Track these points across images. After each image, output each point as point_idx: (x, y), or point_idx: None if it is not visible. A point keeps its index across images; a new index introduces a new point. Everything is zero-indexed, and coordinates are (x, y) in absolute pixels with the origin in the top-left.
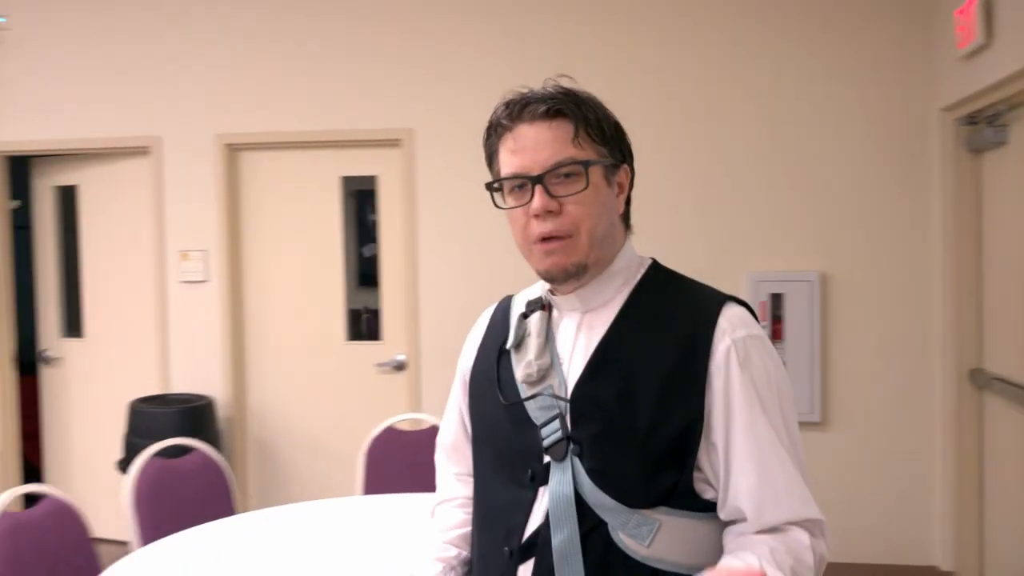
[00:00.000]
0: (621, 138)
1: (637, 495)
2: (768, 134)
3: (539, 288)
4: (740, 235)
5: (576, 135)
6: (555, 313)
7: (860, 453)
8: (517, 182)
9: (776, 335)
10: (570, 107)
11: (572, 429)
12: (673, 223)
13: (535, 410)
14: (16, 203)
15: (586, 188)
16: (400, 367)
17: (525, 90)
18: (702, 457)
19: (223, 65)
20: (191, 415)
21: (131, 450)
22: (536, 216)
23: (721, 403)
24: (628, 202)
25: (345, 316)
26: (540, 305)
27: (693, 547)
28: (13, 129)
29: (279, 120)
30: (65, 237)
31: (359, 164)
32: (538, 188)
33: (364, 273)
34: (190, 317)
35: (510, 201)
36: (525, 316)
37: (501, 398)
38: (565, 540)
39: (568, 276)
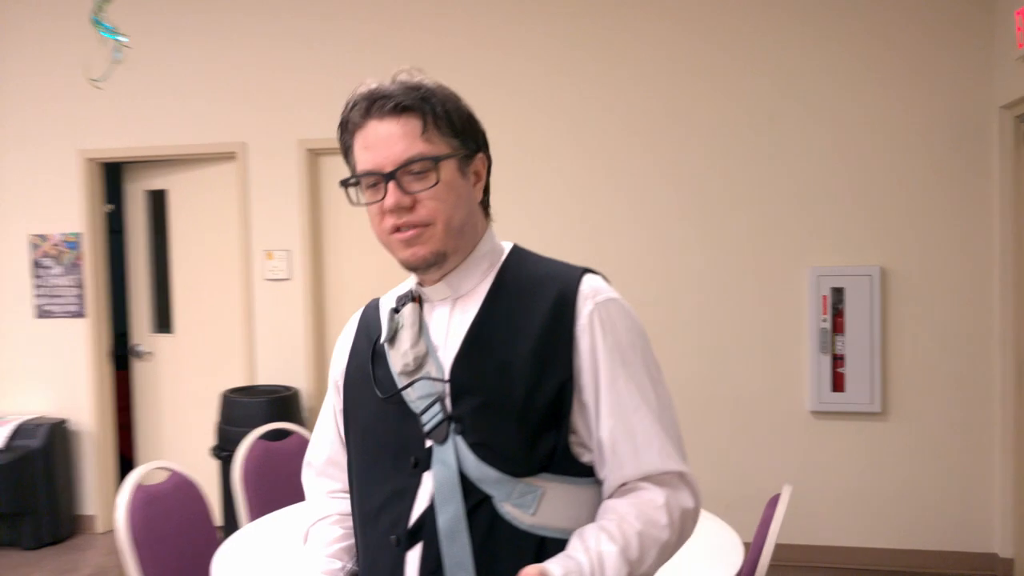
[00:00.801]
0: (474, 128)
1: (520, 463)
2: (829, 134)
3: (408, 284)
4: (802, 232)
5: (425, 129)
6: (426, 305)
7: (920, 443)
8: (371, 179)
9: (837, 328)
10: (417, 102)
11: (452, 408)
12: (740, 220)
13: (414, 399)
14: (110, 207)
15: (437, 184)
16: None
17: (375, 85)
18: (576, 419)
19: (305, 74)
20: (279, 404)
21: (223, 437)
22: (391, 212)
23: (588, 363)
24: (487, 190)
25: None
26: (410, 298)
27: (577, 512)
28: (107, 137)
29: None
30: (155, 238)
31: None
32: (391, 185)
33: None
34: (274, 313)
35: (366, 197)
36: (396, 311)
37: (378, 392)
38: (450, 518)
39: (429, 264)
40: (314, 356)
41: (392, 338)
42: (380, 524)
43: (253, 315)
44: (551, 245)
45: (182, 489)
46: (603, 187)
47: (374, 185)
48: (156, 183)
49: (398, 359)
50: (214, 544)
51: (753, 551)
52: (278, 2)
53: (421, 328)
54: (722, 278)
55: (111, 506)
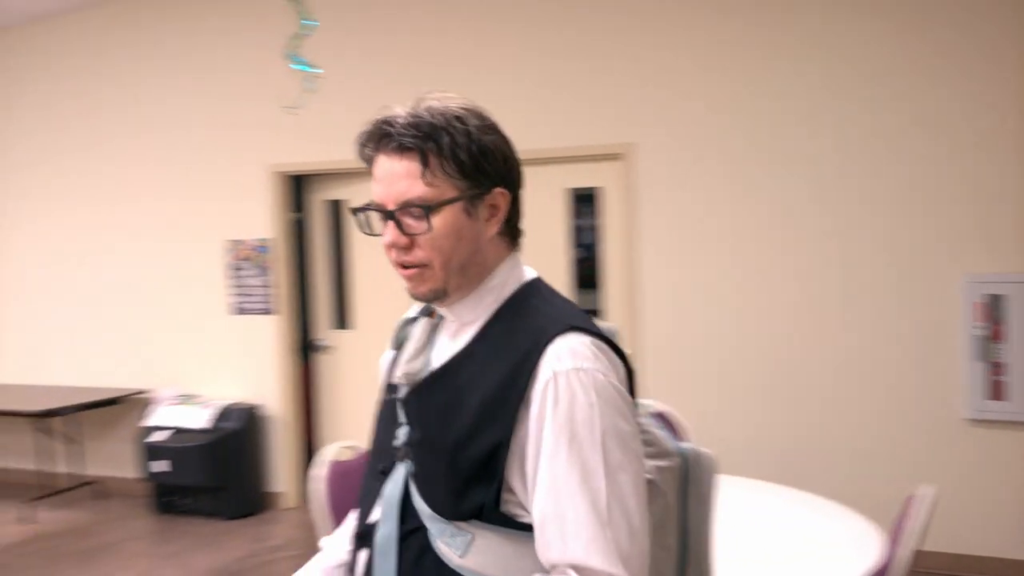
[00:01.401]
0: (490, 163)
1: (449, 508)
2: (984, 128)
3: None
4: (954, 235)
5: (425, 172)
6: (444, 322)
7: None
8: (380, 213)
9: (995, 336)
10: (419, 142)
11: (409, 432)
12: (888, 223)
13: (401, 409)
14: (296, 215)
15: (429, 230)
16: None
17: (387, 115)
18: (515, 482)
19: (460, 90)
20: None
21: None
22: (389, 248)
23: (534, 432)
24: (512, 219)
25: None
26: (427, 312)
27: (510, 563)
28: (293, 153)
29: (512, 139)
30: (335, 244)
31: (583, 177)
32: (390, 224)
33: (584, 275)
34: None
35: (377, 227)
36: (412, 321)
37: (384, 394)
38: (385, 536)
39: (432, 299)
40: None
41: (399, 347)
42: (357, 518)
43: None
44: (694, 249)
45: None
46: (745, 191)
47: (381, 217)
48: (335, 193)
49: (400, 368)
50: None
51: (891, 547)
52: (446, 24)
53: (427, 344)
54: (868, 281)
55: (298, 484)
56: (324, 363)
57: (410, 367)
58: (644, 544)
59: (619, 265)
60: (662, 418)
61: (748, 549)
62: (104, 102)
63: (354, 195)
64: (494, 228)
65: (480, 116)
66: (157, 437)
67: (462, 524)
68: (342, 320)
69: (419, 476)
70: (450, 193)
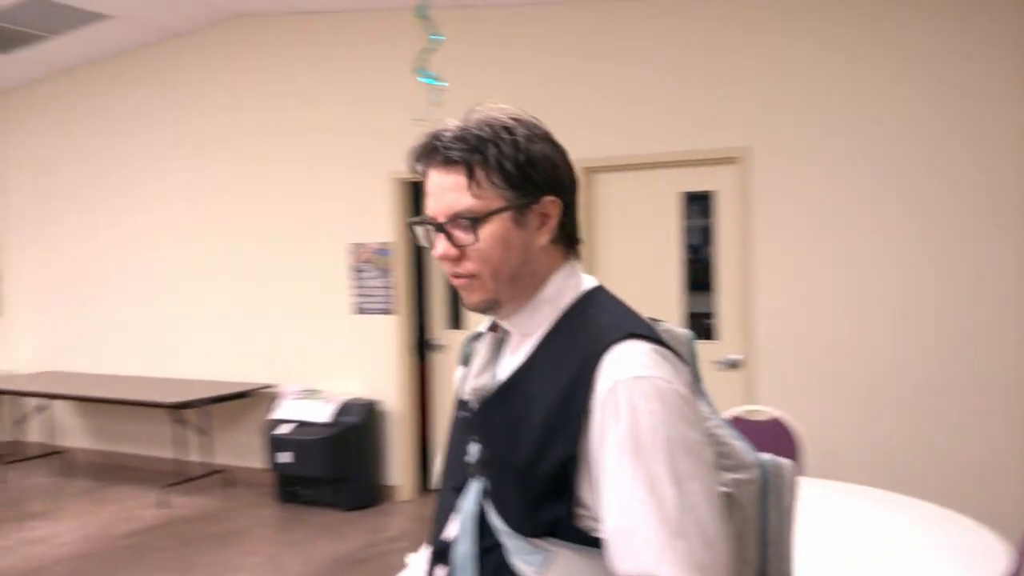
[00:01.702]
0: (540, 172)
1: (524, 525)
2: None
3: None
4: None
5: (471, 184)
6: (510, 335)
7: None
8: (426, 225)
9: None
10: (465, 154)
11: (480, 450)
12: (1005, 231)
13: (471, 426)
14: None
15: (476, 242)
16: (734, 365)
17: (436, 129)
18: (586, 495)
19: (580, 97)
20: None
21: None
22: (440, 260)
23: (598, 445)
24: (566, 226)
25: (683, 317)
26: (492, 326)
27: None
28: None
29: (627, 144)
30: None
31: (697, 180)
32: (440, 236)
33: (697, 278)
34: None
35: (431, 240)
36: (478, 337)
37: (456, 410)
38: (463, 554)
39: (484, 309)
40: None
41: (466, 363)
42: (432, 533)
43: None
44: (807, 253)
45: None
46: (858, 197)
47: (430, 231)
48: None
49: (468, 384)
50: None
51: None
52: (561, 36)
53: (494, 358)
54: (985, 288)
55: (412, 478)
56: (438, 361)
57: (477, 383)
58: (722, 554)
59: (732, 268)
60: (777, 425)
61: (859, 554)
62: (239, 114)
63: None
64: (545, 237)
65: (530, 126)
66: (282, 430)
67: (538, 541)
68: (455, 320)
69: (492, 493)
70: (497, 203)
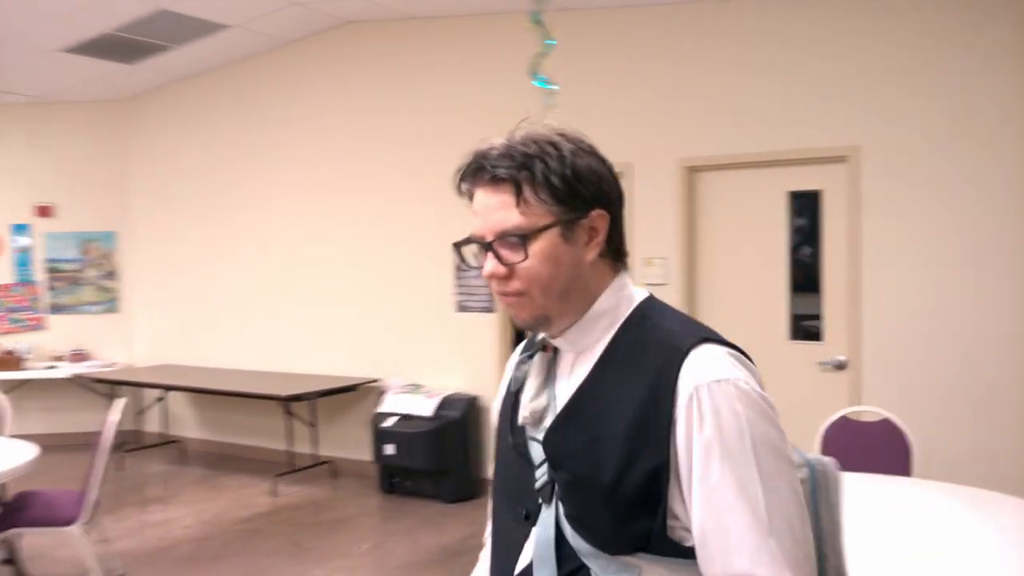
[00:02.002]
0: (587, 186)
1: (612, 543)
2: None
3: None
4: None
5: (519, 201)
6: (561, 353)
7: None
8: (474, 245)
9: None
10: (512, 171)
11: (553, 474)
12: None
13: (534, 450)
14: None
15: (525, 259)
16: (840, 366)
17: (483, 147)
18: (676, 505)
19: (683, 96)
20: None
21: None
22: (489, 279)
23: (684, 451)
24: (613, 239)
25: (788, 318)
26: (542, 346)
27: None
28: None
29: (731, 143)
30: None
31: (804, 180)
32: (488, 255)
33: (803, 278)
34: None
35: (476, 259)
36: (530, 357)
37: (509, 437)
38: None
39: (534, 327)
40: None
41: (520, 387)
42: (497, 564)
43: None
44: (917, 253)
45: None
46: (969, 196)
47: (480, 249)
48: None
49: (522, 409)
50: None
51: None
52: (659, 33)
53: (548, 379)
54: None
55: None
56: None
57: (535, 405)
58: (810, 549)
59: (838, 269)
60: (887, 425)
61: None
62: (348, 117)
63: None
64: (595, 251)
65: (575, 140)
66: (387, 423)
67: (627, 558)
68: None
69: (574, 516)
70: (545, 220)
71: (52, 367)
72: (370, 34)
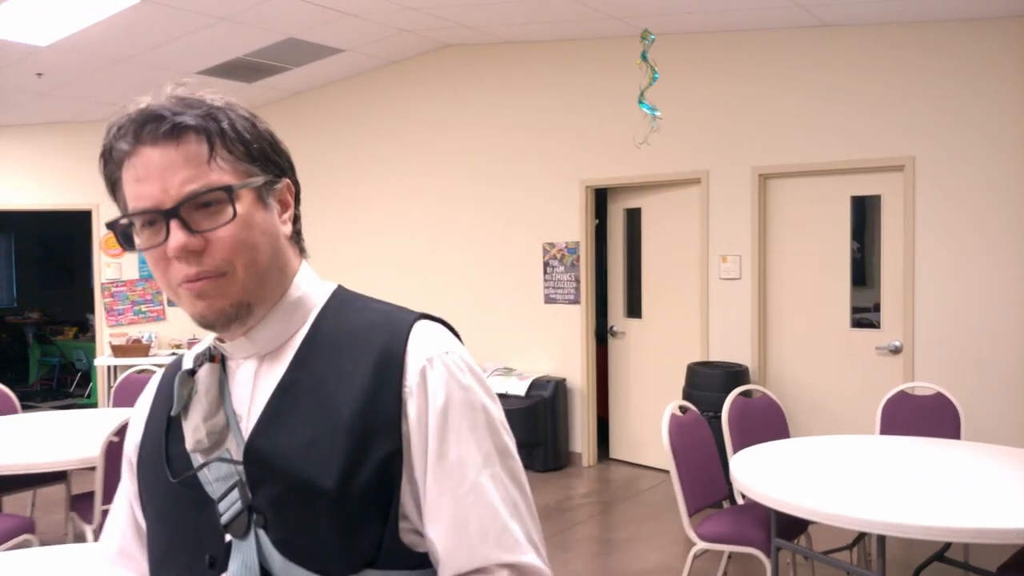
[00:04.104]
0: (276, 150)
1: (338, 562)
2: None
3: (208, 339)
4: None
5: (212, 155)
6: (230, 364)
7: None
8: (148, 217)
9: None
10: (200, 120)
11: (252, 496)
12: None
13: (211, 482)
14: (597, 221)
15: (234, 218)
16: (896, 351)
17: (144, 103)
18: (407, 501)
19: (756, 114)
20: (731, 376)
21: (688, 397)
22: (177, 258)
23: (417, 432)
24: (297, 220)
25: (849, 309)
26: (209, 356)
27: None
28: (599, 169)
29: (800, 154)
30: (629, 245)
31: (864, 186)
32: (173, 224)
33: (862, 274)
34: (726, 305)
35: (143, 240)
36: (192, 373)
37: (169, 475)
38: None
39: (230, 320)
40: (758, 341)
41: (185, 407)
42: None
43: (709, 306)
44: (967, 256)
45: (699, 422)
46: (1018, 206)
47: (152, 224)
48: (632, 203)
49: (191, 434)
50: (716, 461)
51: None
52: (734, 57)
53: (221, 395)
54: None
55: (593, 446)
56: (616, 346)
57: (211, 425)
58: (539, 528)
59: (895, 265)
60: (940, 398)
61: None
62: (449, 130)
63: (647, 204)
64: (289, 225)
65: (239, 106)
66: None
67: None
68: (632, 310)
69: (287, 539)
70: (242, 178)
71: (173, 354)
72: (466, 56)
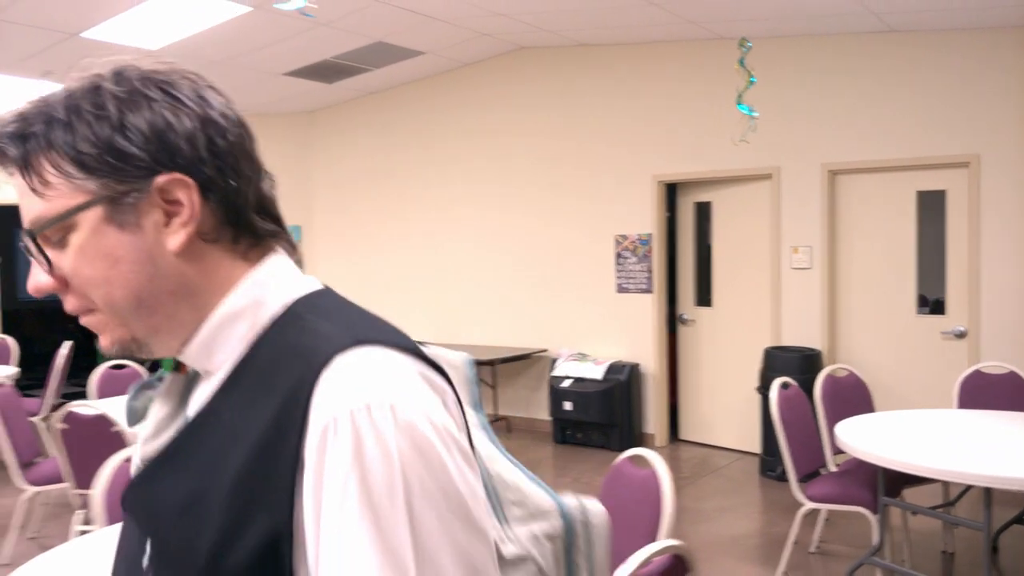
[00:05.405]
0: (136, 144)
1: None
2: None
3: None
4: None
5: (37, 180)
6: (199, 374)
7: None
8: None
9: None
10: (13, 143)
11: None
12: None
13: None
14: (669, 214)
15: (65, 251)
16: (961, 335)
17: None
18: None
19: (827, 113)
20: (806, 359)
21: (765, 379)
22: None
23: (312, 509)
24: (228, 212)
25: (915, 296)
26: (174, 364)
27: None
28: (671, 164)
29: (869, 151)
30: (699, 237)
31: (931, 181)
32: (33, 261)
33: (929, 263)
34: (797, 293)
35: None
36: (149, 385)
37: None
38: None
39: (131, 352)
40: (828, 327)
41: (138, 421)
42: None
43: (780, 295)
44: None
45: (800, 396)
46: None
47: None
48: (703, 197)
49: (137, 452)
50: (815, 432)
51: None
52: (805, 59)
53: (179, 409)
54: None
55: (664, 427)
56: (687, 333)
57: (153, 447)
58: None
59: (960, 255)
60: (1014, 376)
61: None
62: (523, 125)
63: (717, 198)
64: (182, 235)
65: (136, 79)
66: (564, 384)
67: None
68: (703, 299)
69: None
70: (74, 200)
71: None
72: (540, 58)
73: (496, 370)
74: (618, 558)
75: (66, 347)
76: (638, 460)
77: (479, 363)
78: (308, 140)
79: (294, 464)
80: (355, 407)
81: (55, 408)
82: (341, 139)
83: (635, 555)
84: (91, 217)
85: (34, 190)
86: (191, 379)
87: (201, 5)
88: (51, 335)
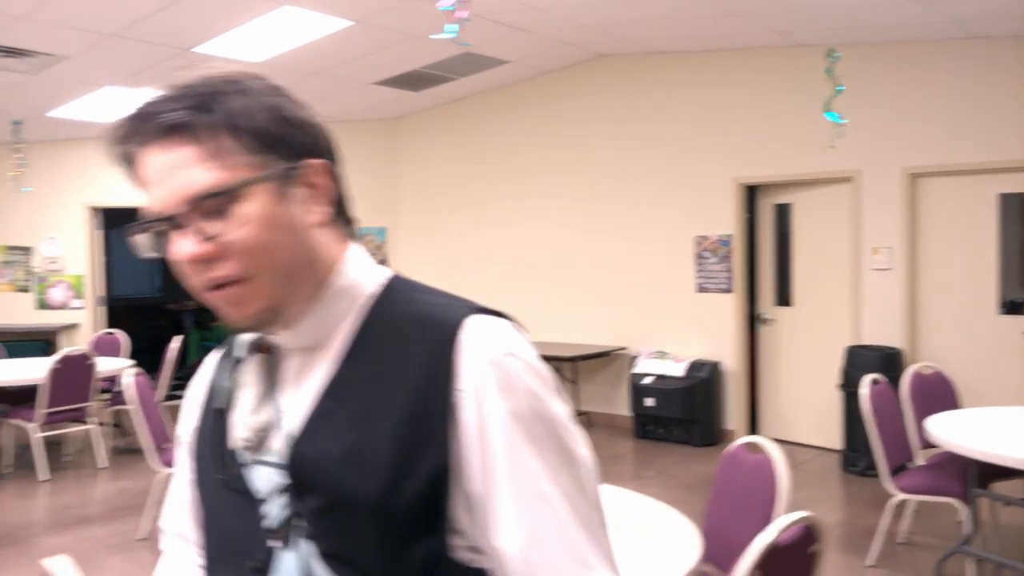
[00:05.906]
0: (295, 128)
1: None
2: None
3: None
4: None
5: (214, 151)
6: (280, 354)
7: None
8: (157, 225)
9: None
10: (188, 114)
11: (298, 503)
12: None
13: (260, 481)
14: (749, 216)
15: (240, 220)
16: None
17: (154, 95)
18: (461, 516)
19: (907, 118)
20: (887, 357)
21: (847, 377)
22: (191, 266)
23: (476, 442)
24: (342, 201)
25: (997, 297)
26: (257, 347)
27: None
28: (751, 167)
29: (948, 154)
30: (779, 239)
31: (1012, 184)
32: (179, 232)
33: (1010, 262)
34: (878, 293)
35: (161, 249)
36: (238, 361)
37: (215, 471)
38: None
39: (264, 323)
40: (909, 327)
41: (232, 400)
42: None
43: (861, 295)
44: None
45: (889, 391)
46: None
47: (165, 231)
48: (783, 199)
49: (236, 429)
50: (902, 426)
51: None
52: (886, 66)
53: (269, 388)
54: None
55: (744, 423)
56: (767, 333)
57: (256, 422)
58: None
59: None
60: None
61: None
62: (604, 131)
63: (797, 200)
64: (320, 213)
65: (259, 77)
66: (645, 381)
67: None
68: (782, 298)
69: (335, 552)
70: (249, 172)
71: None
72: (620, 65)
73: (577, 367)
74: (735, 535)
75: (177, 340)
76: (752, 447)
77: (561, 359)
78: (394, 145)
79: (445, 408)
80: (498, 353)
81: (167, 397)
82: (425, 145)
83: (774, 522)
84: (264, 188)
85: (210, 160)
86: (273, 361)
87: (306, 19)
88: (143, 329)
